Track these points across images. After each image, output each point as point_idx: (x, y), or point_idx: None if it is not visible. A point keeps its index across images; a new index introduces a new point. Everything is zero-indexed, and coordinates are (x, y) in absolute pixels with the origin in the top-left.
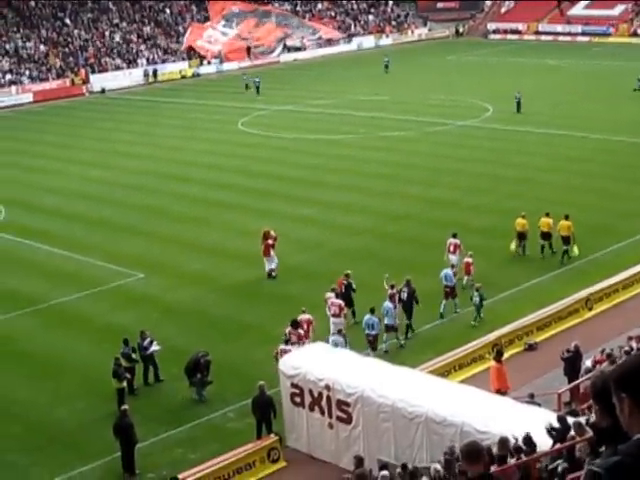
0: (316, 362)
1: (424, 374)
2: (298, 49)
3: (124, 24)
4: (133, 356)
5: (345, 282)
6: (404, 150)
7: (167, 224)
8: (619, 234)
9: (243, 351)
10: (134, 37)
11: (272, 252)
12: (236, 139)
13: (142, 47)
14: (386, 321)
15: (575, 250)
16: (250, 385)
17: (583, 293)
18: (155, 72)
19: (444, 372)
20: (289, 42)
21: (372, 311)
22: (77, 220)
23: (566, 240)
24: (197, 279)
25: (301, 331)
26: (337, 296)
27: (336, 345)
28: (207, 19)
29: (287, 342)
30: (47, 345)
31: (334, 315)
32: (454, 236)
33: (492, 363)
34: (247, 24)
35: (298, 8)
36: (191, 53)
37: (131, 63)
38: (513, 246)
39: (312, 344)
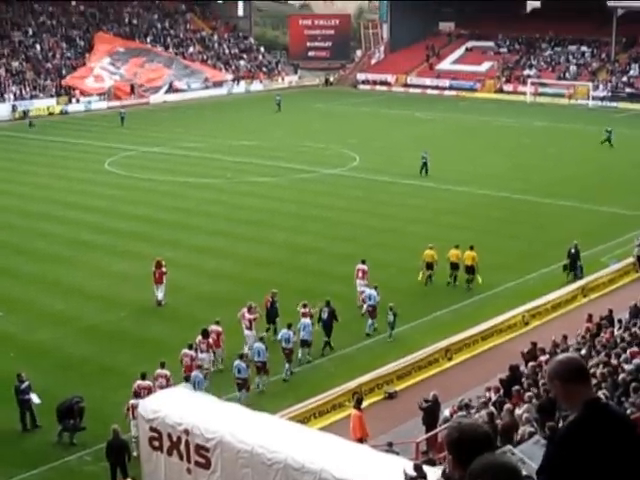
0: (176, 406)
1: (284, 420)
2: (183, 90)
3: None
4: None
5: (271, 300)
6: (271, 196)
7: (29, 262)
8: (479, 287)
9: (101, 393)
10: (2, 72)
11: (164, 280)
12: (102, 179)
13: (10, 82)
14: (302, 336)
15: (479, 278)
16: (107, 428)
17: (443, 343)
18: (26, 112)
19: (304, 419)
20: (177, 83)
21: (289, 326)
22: None
23: (470, 269)
24: (57, 319)
25: (210, 340)
26: (266, 310)
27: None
28: (78, 56)
29: (195, 349)
30: None
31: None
32: (363, 262)
33: (352, 411)
34: (133, 64)
35: (170, 50)
36: (71, 90)
37: None
38: (420, 276)
39: (173, 388)
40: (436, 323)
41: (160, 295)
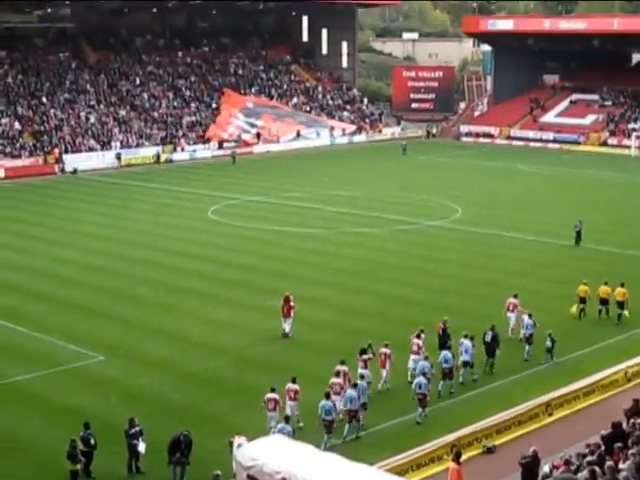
0: (274, 454)
1: (382, 472)
2: (310, 139)
3: (101, 106)
4: (91, 441)
5: (442, 326)
6: (373, 247)
7: (132, 308)
8: (584, 340)
9: (200, 440)
10: (109, 119)
11: (292, 314)
12: (205, 227)
13: (116, 130)
14: (465, 358)
15: (626, 313)
16: (205, 475)
17: (544, 398)
18: (119, 155)
19: (402, 470)
20: (304, 132)
21: (327, 396)
22: (41, 298)
23: (621, 305)
24: (158, 365)
25: (340, 380)
26: (438, 337)
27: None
28: (184, 106)
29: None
30: (0, 423)
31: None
32: (515, 296)
33: (451, 464)
34: (266, 119)
35: (274, 101)
36: (216, 142)
37: (105, 145)
38: (574, 309)
39: (271, 436)
40: (535, 377)
41: (287, 328)
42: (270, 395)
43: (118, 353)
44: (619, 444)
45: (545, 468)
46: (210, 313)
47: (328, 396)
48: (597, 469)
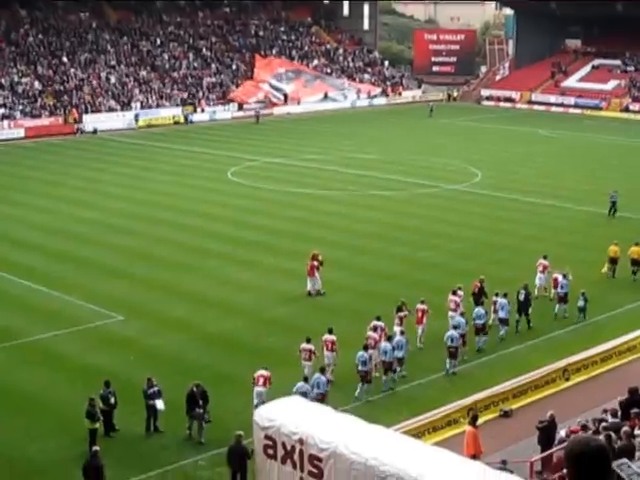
0: (291, 415)
1: (398, 434)
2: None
3: (121, 66)
4: (111, 400)
5: (479, 285)
6: (392, 210)
7: (150, 268)
8: (607, 305)
9: (218, 400)
10: (130, 80)
11: (317, 274)
12: (225, 188)
13: (136, 90)
14: (501, 315)
15: None
16: (223, 434)
17: (561, 363)
18: (137, 117)
19: (418, 433)
20: (331, 94)
21: (365, 348)
22: (61, 258)
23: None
24: (177, 325)
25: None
26: (473, 295)
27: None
28: (205, 67)
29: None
30: (21, 381)
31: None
32: (544, 257)
33: (467, 427)
34: (297, 83)
35: (304, 66)
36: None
37: (125, 106)
38: (605, 269)
39: (289, 397)
40: (552, 342)
41: (315, 286)
42: (305, 345)
43: (136, 312)
44: (635, 410)
45: (562, 433)
46: (229, 274)
47: (366, 348)
48: (613, 434)
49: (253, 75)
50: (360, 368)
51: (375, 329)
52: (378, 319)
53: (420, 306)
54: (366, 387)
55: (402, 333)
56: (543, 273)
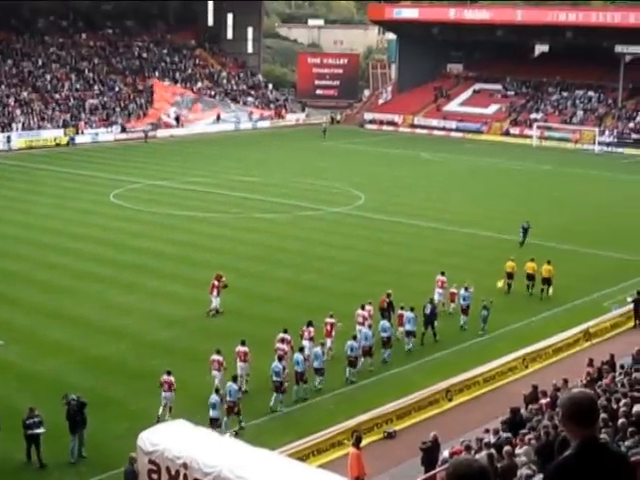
0: (175, 439)
1: (283, 457)
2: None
3: (2, 87)
4: None
5: (387, 299)
6: (275, 233)
7: (32, 292)
8: (496, 323)
9: (100, 424)
10: (11, 101)
11: (215, 292)
12: (107, 211)
13: (18, 111)
14: (408, 327)
15: (551, 291)
16: (107, 460)
17: (444, 384)
18: (9, 138)
19: (303, 456)
20: (224, 116)
21: (280, 359)
22: None
23: (546, 281)
24: (58, 349)
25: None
26: (381, 310)
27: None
28: (87, 88)
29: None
30: None
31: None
32: (442, 274)
33: (351, 449)
34: (195, 110)
35: (178, 85)
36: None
37: (5, 127)
38: (500, 284)
39: (173, 421)
40: (435, 363)
41: (213, 303)
42: (215, 357)
43: (17, 337)
44: (521, 430)
45: (445, 453)
46: (112, 297)
47: (280, 359)
48: (495, 453)
49: (153, 102)
50: (274, 378)
51: (282, 341)
52: (285, 332)
53: (329, 320)
54: (281, 397)
55: (317, 344)
56: (442, 288)
